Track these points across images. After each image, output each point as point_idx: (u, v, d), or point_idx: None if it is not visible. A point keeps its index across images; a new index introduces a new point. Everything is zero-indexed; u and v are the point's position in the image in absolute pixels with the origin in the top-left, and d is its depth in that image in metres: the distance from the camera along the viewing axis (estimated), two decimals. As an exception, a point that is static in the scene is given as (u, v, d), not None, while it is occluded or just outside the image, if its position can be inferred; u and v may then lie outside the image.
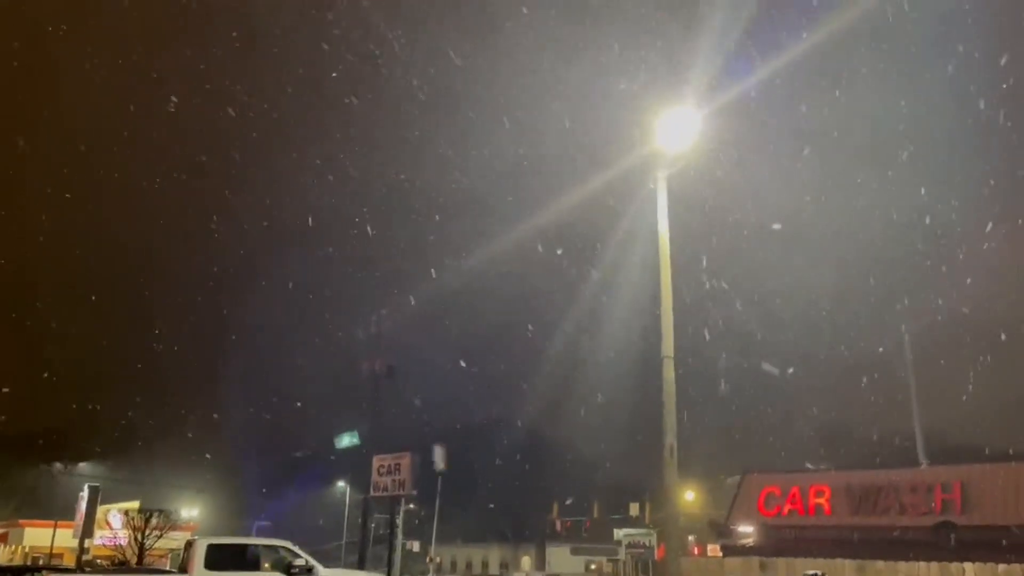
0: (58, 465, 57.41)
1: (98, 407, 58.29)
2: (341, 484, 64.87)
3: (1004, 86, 32.80)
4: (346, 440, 29.58)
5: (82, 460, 58.10)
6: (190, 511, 51.37)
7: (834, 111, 36.29)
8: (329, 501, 69.93)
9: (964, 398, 36.04)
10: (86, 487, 29.74)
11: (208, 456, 59.40)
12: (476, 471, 64.80)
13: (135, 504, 35.12)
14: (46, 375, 56.39)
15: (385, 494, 26.62)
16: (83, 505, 28.69)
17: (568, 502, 64.32)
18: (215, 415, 61.55)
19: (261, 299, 67.65)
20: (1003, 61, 33.02)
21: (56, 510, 39.49)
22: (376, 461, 27.02)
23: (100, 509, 30.67)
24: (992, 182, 35.17)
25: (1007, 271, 34.32)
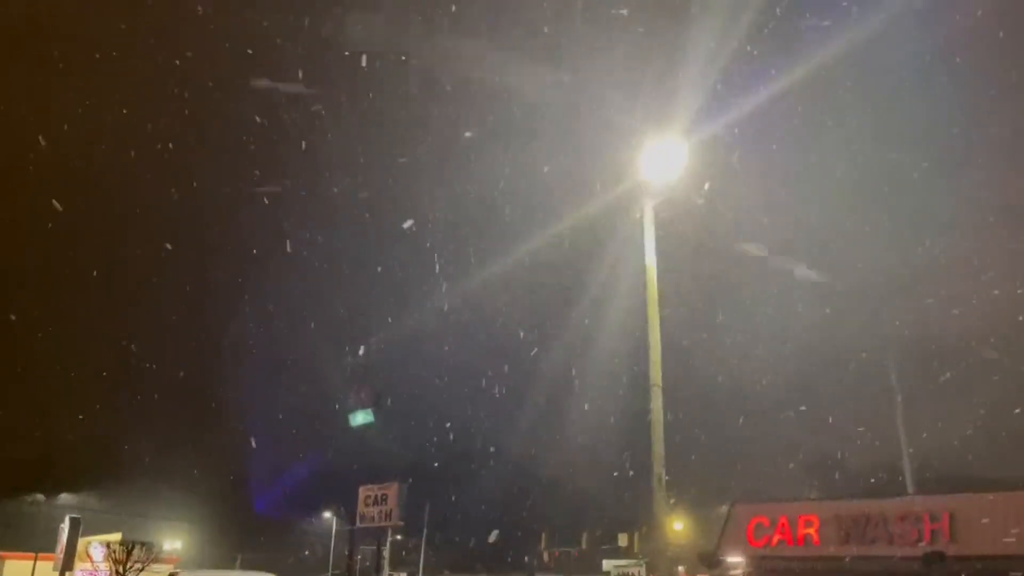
0: (39, 496, 56.53)
1: (80, 437, 57.52)
2: (328, 515, 64.20)
3: (994, 117, 33.29)
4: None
5: (63, 491, 57.28)
6: (173, 543, 50.65)
7: (825, 141, 36.71)
8: (315, 532, 69.20)
9: (953, 426, 36.24)
10: (67, 518, 29.31)
11: (192, 487, 58.65)
12: (464, 501, 64.31)
13: (117, 536, 34.60)
14: (26, 403, 55.71)
15: (372, 525, 26.34)
16: (64, 537, 28.26)
17: (555, 528, 63.89)
18: (199, 445, 60.84)
19: (250, 326, 67.34)
20: (991, 93, 33.55)
21: (37, 542, 38.82)
22: (363, 492, 26.76)
23: (81, 541, 30.19)
24: (985, 205, 35.57)
25: (997, 300, 34.59)
